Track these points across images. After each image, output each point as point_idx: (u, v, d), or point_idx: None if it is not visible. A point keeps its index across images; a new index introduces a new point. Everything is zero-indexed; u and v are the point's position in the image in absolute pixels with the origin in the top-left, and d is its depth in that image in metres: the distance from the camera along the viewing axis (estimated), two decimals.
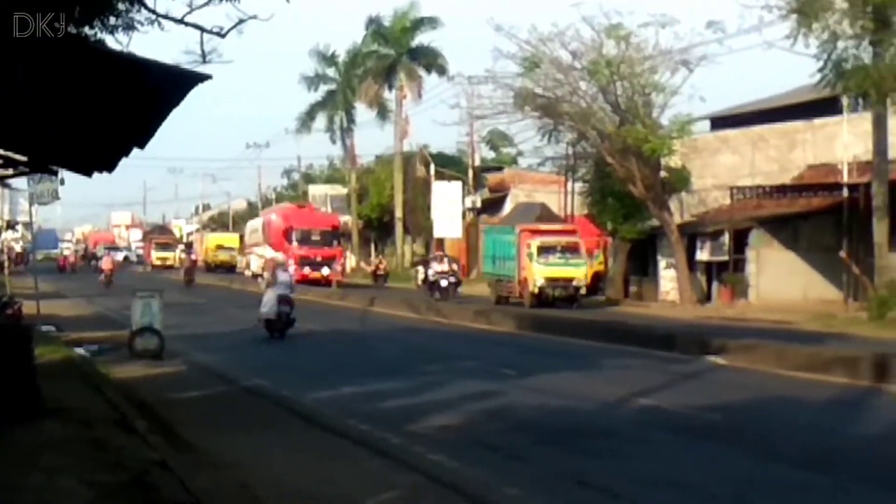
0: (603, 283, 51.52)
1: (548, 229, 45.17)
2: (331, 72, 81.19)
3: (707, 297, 40.43)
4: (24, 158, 15.41)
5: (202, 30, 13.39)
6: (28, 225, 59.37)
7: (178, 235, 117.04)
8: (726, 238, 44.74)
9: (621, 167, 43.89)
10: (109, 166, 14.08)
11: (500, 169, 74.29)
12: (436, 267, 49.10)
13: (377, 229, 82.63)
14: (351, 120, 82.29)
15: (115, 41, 13.43)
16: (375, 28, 75.79)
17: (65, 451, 12.87)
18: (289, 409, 17.90)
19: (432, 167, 72.00)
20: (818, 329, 30.91)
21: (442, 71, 71.98)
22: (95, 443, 13.47)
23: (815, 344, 25.80)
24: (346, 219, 78.85)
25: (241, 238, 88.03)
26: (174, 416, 16.54)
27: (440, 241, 70.23)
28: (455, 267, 51.61)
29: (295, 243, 63.06)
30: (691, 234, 46.93)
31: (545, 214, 56.80)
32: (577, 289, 42.46)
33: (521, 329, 34.69)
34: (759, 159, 50.01)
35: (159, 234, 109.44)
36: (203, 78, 8.85)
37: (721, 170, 50.21)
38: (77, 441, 13.56)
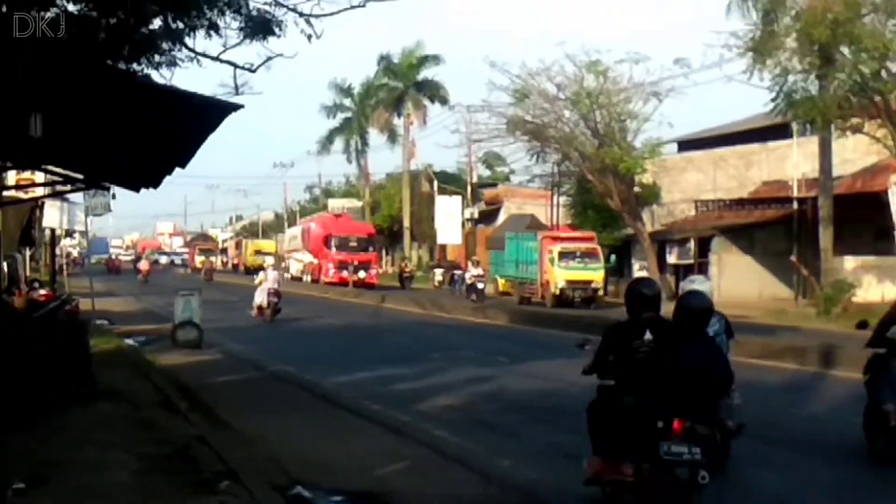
0: None
1: (568, 237, 44.19)
2: (347, 102, 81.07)
3: (675, 295, 40.50)
4: (80, 176, 15.46)
5: (235, 66, 13.48)
6: (83, 233, 59.30)
7: (216, 243, 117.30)
8: (692, 244, 44.73)
9: (600, 183, 43.87)
10: (155, 183, 14.12)
11: (494, 185, 74.14)
12: (473, 271, 47.38)
13: (388, 237, 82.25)
14: (365, 143, 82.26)
15: (160, 76, 13.52)
16: (386, 64, 75.71)
17: (116, 428, 12.91)
18: (311, 392, 17.93)
19: (435, 184, 71.95)
20: (772, 323, 30.91)
21: (444, 101, 71.95)
22: (143, 421, 13.52)
23: (769, 335, 25.81)
24: None
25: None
26: (212, 398, 16.56)
27: (443, 248, 70.21)
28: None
29: (333, 249, 61.76)
30: (661, 241, 46.89)
31: (534, 224, 56.70)
32: (595, 290, 41.42)
33: (514, 323, 34.65)
34: (720, 177, 49.99)
35: (202, 241, 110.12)
36: (236, 107, 8.91)
37: (687, 186, 50.19)
38: (126, 419, 13.61)
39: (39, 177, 21.82)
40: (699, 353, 8.93)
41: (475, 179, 71.24)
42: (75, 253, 74.35)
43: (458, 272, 54.02)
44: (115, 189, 20.84)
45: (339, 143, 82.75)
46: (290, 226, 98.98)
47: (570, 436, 13.56)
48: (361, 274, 59.36)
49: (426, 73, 74.33)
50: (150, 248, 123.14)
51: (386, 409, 15.53)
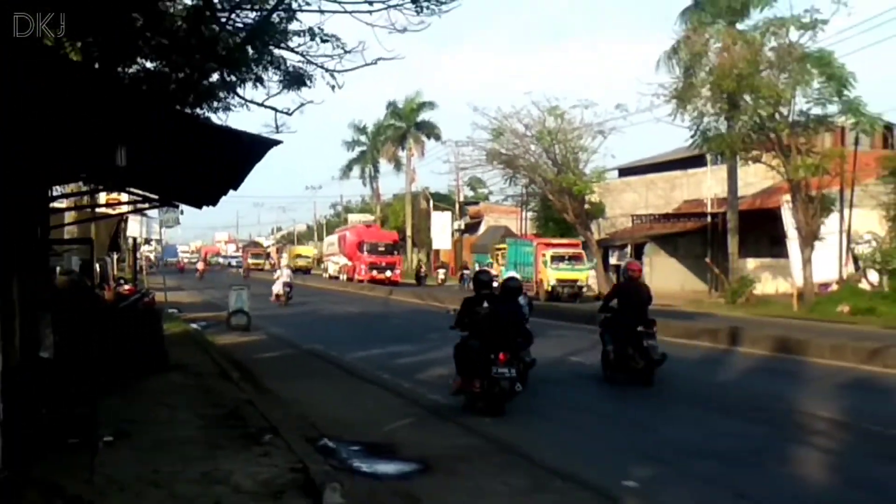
0: None
1: (559, 243, 42.50)
2: (362, 138, 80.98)
3: (587, 287, 40.43)
4: (155, 196, 15.41)
5: (276, 110, 13.43)
6: (158, 241, 59.27)
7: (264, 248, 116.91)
8: (629, 249, 44.83)
9: (558, 202, 43.81)
10: (213, 201, 14.08)
11: (476, 203, 73.98)
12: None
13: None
14: (376, 170, 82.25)
15: (217, 118, 13.51)
16: (392, 109, 75.65)
17: (183, 394, 12.92)
18: (335, 364, 17.89)
19: (431, 202, 71.89)
20: (691, 310, 30.95)
21: (437, 137, 71.86)
22: (204, 388, 13.52)
23: (689, 320, 25.84)
24: None
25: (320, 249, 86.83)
26: (257, 369, 16.56)
27: (437, 252, 70.05)
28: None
29: (365, 253, 60.12)
30: (606, 246, 46.85)
31: (507, 234, 56.83)
32: (581, 287, 39.79)
33: None
34: (651, 196, 50.09)
35: (253, 248, 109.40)
36: (276, 143, 8.87)
37: (625, 203, 50.25)
38: (191, 387, 13.61)
39: (124, 197, 21.79)
40: (510, 312, 12.57)
41: (461, 199, 71.34)
42: (152, 256, 74.27)
43: (466, 271, 52.61)
44: (183, 206, 20.81)
45: (356, 171, 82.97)
46: (318, 236, 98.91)
47: (537, 398, 13.60)
48: (388, 273, 58.43)
49: (424, 116, 74.38)
50: (210, 252, 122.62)
51: (393, 377, 15.50)
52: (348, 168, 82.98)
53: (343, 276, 64.15)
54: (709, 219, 41.32)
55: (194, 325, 24.88)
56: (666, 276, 42.44)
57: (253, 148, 9.12)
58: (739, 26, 33.92)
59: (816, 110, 31.57)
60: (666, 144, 74.19)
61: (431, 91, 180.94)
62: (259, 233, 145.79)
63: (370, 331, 26.10)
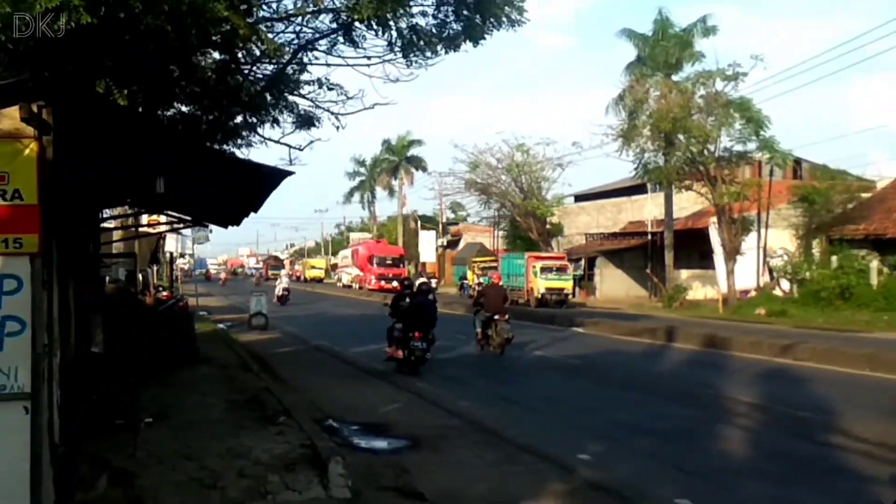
0: None
1: (547, 256, 40.63)
2: (362, 170, 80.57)
3: (573, 295, 40.34)
4: (189, 217, 15.37)
5: (289, 146, 13.38)
6: (191, 255, 58.91)
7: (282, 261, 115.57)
8: (583, 262, 44.92)
9: (525, 223, 43.95)
10: (237, 222, 14.03)
11: (456, 223, 73.86)
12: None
13: None
14: (373, 196, 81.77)
15: (240, 153, 13.46)
16: (387, 145, 75.48)
17: (211, 382, 12.87)
18: (338, 358, 17.87)
19: (419, 223, 71.77)
20: (634, 312, 31.08)
21: (424, 169, 71.69)
22: (229, 377, 13.46)
23: (633, 321, 25.97)
24: None
25: (327, 262, 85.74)
26: (274, 362, 16.51)
27: (424, 264, 69.94)
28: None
29: (375, 265, 58.98)
30: None
31: (482, 250, 56.79)
32: (567, 295, 38.02)
33: (469, 312, 34.35)
34: (601, 218, 50.30)
35: (273, 261, 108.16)
36: (289, 174, 8.87)
37: (580, 224, 50.41)
38: (218, 377, 13.55)
39: (162, 218, 21.62)
40: (423, 304, 15.40)
41: (444, 220, 71.21)
42: (185, 268, 73.80)
43: (465, 281, 51.02)
44: (211, 226, 20.74)
45: (356, 196, 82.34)
46: (325, 251, 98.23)
47: (506, 386, 13.64)
48: (394, 283, 57.47)
49: (413, 151, 74.33)
50: (235, 264, 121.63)
51: (386, 369, 15.48)
52: (350, 194, 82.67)
53: (355, 286, 63.38)
54: (649, 237, 41.48)
55: (221, 326, 24.75)
56: (613, 285, 42.64)
57: (270, 178, 9.14)
58: (675, 78, 34.26)
59: (738, 147, 32.05)
60: (614, 175, 74.72)
61: (420, 130, 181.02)
62: (275, 248, 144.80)
63: (367, 329, 26.00)
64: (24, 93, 5.45)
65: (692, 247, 38.02)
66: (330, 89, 12.70)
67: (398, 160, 74.74)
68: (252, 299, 25.12)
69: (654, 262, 39.92)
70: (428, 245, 65.85)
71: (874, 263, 29.14)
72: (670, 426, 10.19)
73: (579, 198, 54.98)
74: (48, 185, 5.52)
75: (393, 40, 11.07)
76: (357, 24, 10.64)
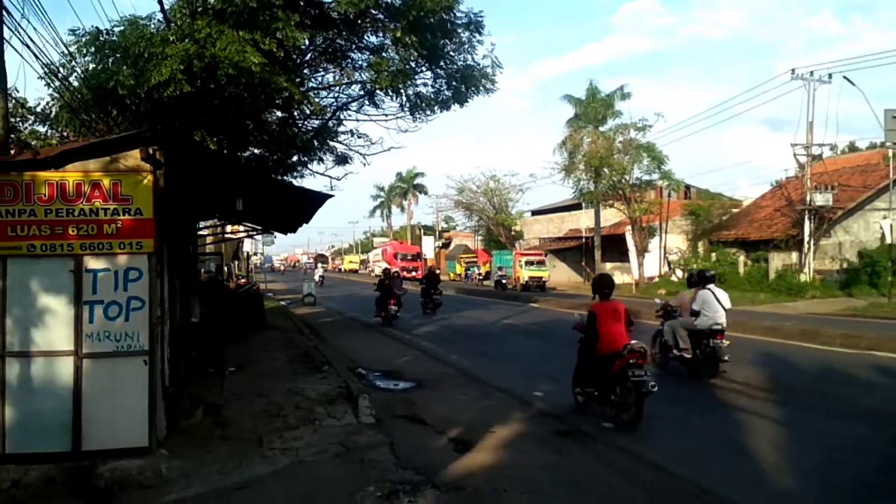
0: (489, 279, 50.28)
1: (530, 252, 38.76)
2: (381, 193, 79.99)
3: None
4: (259, 227, 15.35)
5: (331, 178, 13.45)
6: (261, 253, 58.50)
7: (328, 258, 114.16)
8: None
9: (496, 230, 43.85)
10: (294, 230, 13.98)
11: (448, 231, 73.63)
12: (498, 272, 38.72)
13: None
14: (389, 212, 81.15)
15: (296, 181, 13.46)
16: (399, 176, 75.02)
17: (276, 342, 12.83)
18: (366, 325, 17.81)
19: (422, 231, 71.58)
20: (573, 292, 31.10)
21: (426, 193, 71.39)
22: (288, 339, 13.43)
23: (571, 298, 26.00)
24: None
25: (361, 258, 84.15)
26: (320, 328, 16.47)
27: (425, 260, 69.73)
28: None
29: (399, 260, 56.31)
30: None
31: (466, 249, 56.59)
32: (545, 282, 35.47)
33: (458, 293, 34.37)
34: (551, 227, 50.28)
35: (320, 258, 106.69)
36: (330, 196, 8.90)
37: (536, 231, 50.40)
38: (280, 339, 13.52)
39: (241, 227, 21.60)
40: (394, 284, 17.09)
41: (440, 228, 71.07)
42: (257, 262, 73.40)
43: (469, 270, 48.32)
44: (276, 233, 20.70)
45: (378, 212, 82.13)
46: (356, 250, 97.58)
47: (483, 344, 13.62)
48: (413, 273, 56.43)
49: (418, 181, 73.85)
50: (293, 260, 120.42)
51: (398, 331, 15.47)
52: (373, 211, 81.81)
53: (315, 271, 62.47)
54: (584, 240, 41.44)
55: (282, 303, 24.67)
56: (559, 274, 42.56)
57: (317, 199, 9.15)
58: (601, 129, 34.19)
59: (645, 177, 31.96)
60: (559, 197, 74.53)
61: (422, 166, 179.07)
62: (321, 248, 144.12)
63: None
64: (143, 140, 5.50)
65: (614, 247, 38.04)
66: (359, 137, 12.78)
67: (407, 186, 74.47)
68: (304, 284, 25.11)
69: (587, 257, 39.91)
70: (428, 246, 65.71)
71: (741, 258, 29.36)
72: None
73: (535, 212, 54.89)
74: (160, 205, 5.57)
75: (403, 103, 11.25)
76: (378, 91, 10.81)
